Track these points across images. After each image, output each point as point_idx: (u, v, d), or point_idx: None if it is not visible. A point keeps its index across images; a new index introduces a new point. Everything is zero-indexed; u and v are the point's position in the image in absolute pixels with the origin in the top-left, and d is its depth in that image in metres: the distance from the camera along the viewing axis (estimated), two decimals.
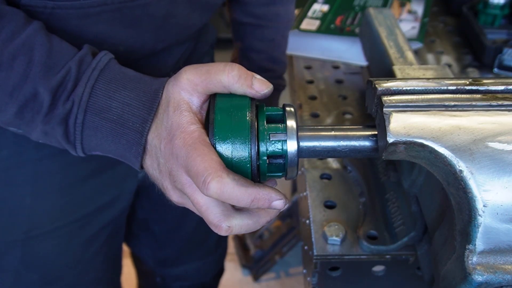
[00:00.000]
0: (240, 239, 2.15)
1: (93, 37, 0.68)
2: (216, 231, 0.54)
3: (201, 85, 0.56)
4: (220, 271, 1.37)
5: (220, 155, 0.53)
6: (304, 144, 0.58)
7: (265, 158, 0.55)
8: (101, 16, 0.67)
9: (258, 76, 0.56)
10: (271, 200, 0.52)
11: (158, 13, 0.72)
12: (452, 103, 0.54)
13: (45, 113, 0.59)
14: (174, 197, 0.59)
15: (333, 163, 0.89)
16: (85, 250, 0.94)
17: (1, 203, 0.84)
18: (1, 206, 0.84)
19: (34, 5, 0.64)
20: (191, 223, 1.16)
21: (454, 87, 0.56)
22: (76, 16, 0.66)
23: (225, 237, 1.35)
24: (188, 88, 0.56)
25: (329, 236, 0.73)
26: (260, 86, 0.56)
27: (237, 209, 0.55)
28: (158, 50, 0.79)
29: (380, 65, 0.82)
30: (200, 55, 0.97)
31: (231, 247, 2.12)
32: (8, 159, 0.80)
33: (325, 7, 1.26)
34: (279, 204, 0.52)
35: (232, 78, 0.55)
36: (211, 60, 1.06)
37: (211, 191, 0.50)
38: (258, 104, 0.59)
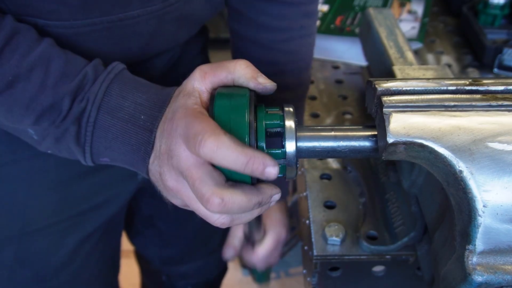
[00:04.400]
0: None
1: (82, 52, 0.69)
2: (208, 206, 0.52)
3: (210, 72, 0.57)
4: (224, 269, 1.37)
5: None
6: (304, 144, 0.58)
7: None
8: (90, 35, 0.69)
9: (263, 76, 0.58)
10: (266, 164, 0.51)
11: (145, 31, 0.74)
12: (452, 103, 0.54)
13: (63, 117, 0.61)
14: (170, 181, 0.56)
15: (333, 163, 0.89)
16: (79, 248, 0.94)
17: None
18: None
19: (24, 21, 0.64)
20: (197, 221, 1.16)
21: (454, 87, 0.56)
22: (66, 35, 0.67)
23: None
24: (199, 77, 0.58)
25: (329, 236, 0.73)
26: (264, 80, 0.57)
27: (231, 185, 0.53)
28: (144, 60, 0.81)
29: (380, 65, 0.82)
30: (190, 56, 0.96)
31: None
32: (2, 156, 0.81)
33: (325, 7, 1.26)
34: (272, 171, 0.51)
35: (239, 65, 0.57)
36: (206, 60, 1.06)
37: (207, 149, 0.49)
38: (257, 104, 0.59)
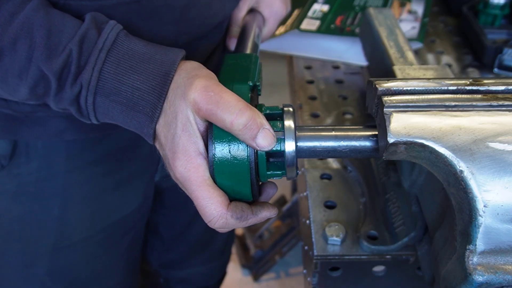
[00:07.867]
0: (240, 239, 2.15)
1: None
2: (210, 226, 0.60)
3: (204, 112, 0.54)
4: (223, 276, 1.37)
5: (219, 166, 0.55)
6: (304, 144, 0.58)
7: (264, 161, 0.56)
8: (117, 9, 0.65)
9: (267, 126, 0.54)
10: (266, 218, 0.59)
11: (178, 4, 0.70)
12: (453, 103, 0.54)
13: (54, 93, 0.59)
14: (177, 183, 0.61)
15: (333, 163, 0.89)
16: (108, 257, 0.94)
17: (30, 215, 0.83)
18: (30, 218, 0.83)
19: None
20: (199, 229, 1.16)
21: (454, 87, 0.56)
22: (91, 9, 0.63)
23: (230, 243, 1.35)
24: (193, 108, 0.55)
25: (329, 236, 0.73)
26: (263, 142, 0.53)
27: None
28: (181, 44, 0.74)
29: (380, 65, 0.82)
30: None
31: None
32: (38, 172, 0.79)
33: (325, 7, 1.26)
34: (273, 217, 0.61)
35: (236, 125, 0.53)
36: None
37: (216, 227, 0.57)
38: (256, 104, 0.59)
